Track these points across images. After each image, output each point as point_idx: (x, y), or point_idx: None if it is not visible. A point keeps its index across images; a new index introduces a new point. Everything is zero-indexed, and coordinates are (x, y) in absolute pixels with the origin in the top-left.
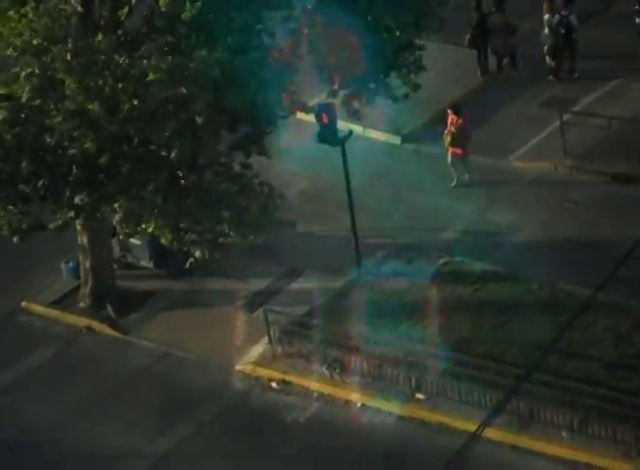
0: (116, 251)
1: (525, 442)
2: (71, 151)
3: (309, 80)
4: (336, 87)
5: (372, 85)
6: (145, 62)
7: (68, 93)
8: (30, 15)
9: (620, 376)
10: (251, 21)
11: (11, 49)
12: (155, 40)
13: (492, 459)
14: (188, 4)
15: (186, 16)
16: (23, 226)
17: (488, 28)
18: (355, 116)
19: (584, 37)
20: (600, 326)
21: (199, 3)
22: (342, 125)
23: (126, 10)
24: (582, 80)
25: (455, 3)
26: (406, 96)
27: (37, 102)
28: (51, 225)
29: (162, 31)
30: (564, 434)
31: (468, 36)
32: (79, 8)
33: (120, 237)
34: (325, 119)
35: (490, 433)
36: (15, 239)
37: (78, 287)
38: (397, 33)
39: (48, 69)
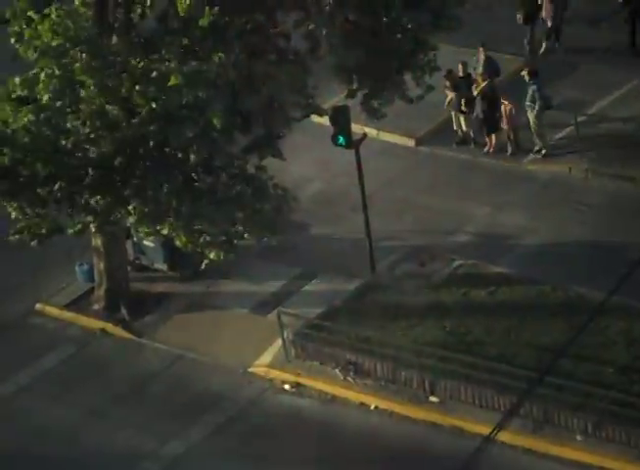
0: (130, 253)
1: (538, 445)
2: (87, 154)
3: (326, 82)
4: (354, 87)
5: (389, 85)
6: (165, 65)
7: (86, 95)
8: (53, 16)
9: (634, 379)
10: (267, 23)
11: (31, 50)
12: (169, 43)
13: (506, 463)
14: (207, 9)
15: (204, 22)
16: (43, 231)
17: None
18: (375, 115)
19: (598, 40)
20: (613, 329)
21: (216, 9)
22: (356, 128)
23: (140, 12)
24: (597, 83)
25: (470, 4)
26: (420, 98)
27: (58, 104)
28: (70, 230)
29: (177, 34)
30: (577, 437)
31: (522, 12)
32: (93, 9)
33: (134, 239)
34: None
35: (504, 436)
36: (33, 243)
37: (92, 289)
38: (414, 34)
39: (67, 70)
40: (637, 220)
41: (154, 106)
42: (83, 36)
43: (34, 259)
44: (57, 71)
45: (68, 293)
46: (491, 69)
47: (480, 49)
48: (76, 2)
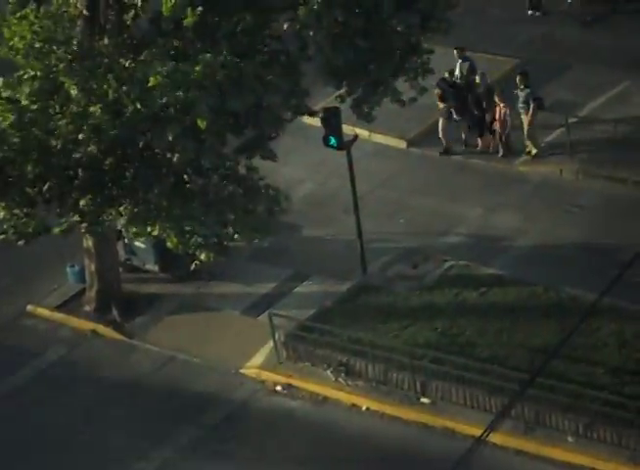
0: (122, 254)
1: (530, 446)
2: (77, 154)
3: (316, 84)
4: (343, 91)
5: (380, 89)
6: (147, 66)
7: (70, 96)
8: (31, 17)
9: (625, 381)
10: (256, 23)
11: (13, 52)
12: (160, 44)
13: (498, 464)
14: (189, 10)
15: (188, 22)
16: (29, 230)
17: None
18: (366, 119)
19: (590, 42)
20: (605, 331)
21: (200, 8)
22: (348, 129)
23: (132, 13)
24: (588, 84)
25: (463, 6)
26: (414, 100)
27: (38, 105)
28: (56, 229)
29: (168, 35)
30: (569, 438)
31: None
32: (85, 11)
33: (126, 241)
34: (330, 124)
35: (496, 438)
36: (20, 243)
37: (84, 290)
38: (406, 36)
39: (51, 71)
40: (628, 222)
41: (139, 106)
42: (64, 37)
43: (25, 261)
44: (39, 73)
45: (59, 294)
46: (469, 68)
47: (455, 52)
48: (55, 2)
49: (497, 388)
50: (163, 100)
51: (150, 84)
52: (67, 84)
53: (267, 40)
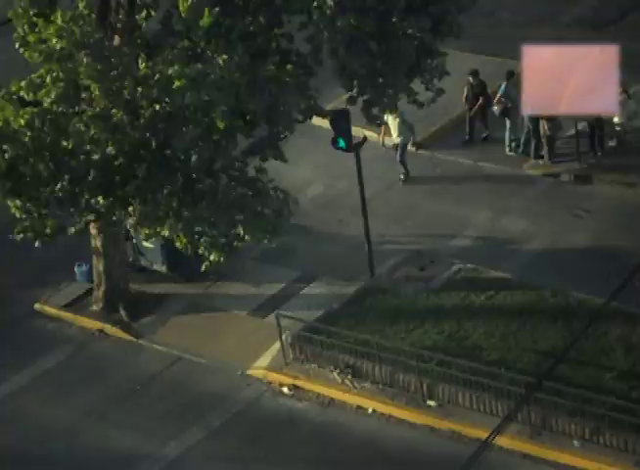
0: (130, 254)
1: (536, 450)
2: (91, 155)
3: (326, 85)
4: (354, 93)
5: (390, 92)
6: (169, 68)
7: (92, 98)
8: (59, 21)
9: (632, 385)
10: (270, 25)
11: (36, 54)
12: (173, 45)
13: (503, 468)
14: (207, 10)
15: (204, 22)
16: (47, 230)
17: None
18: (375, 122)
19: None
20: (612, 335)
21: (217, 9)
22: (357, 132)
23: (143, 14)
24: None
25: (473, 9)
26: (433, 101)
27: (63, 107)
28: (71, 229)
29: (180, 36)
30: (575, 443)
31: None
32: (95, 12)
33: (134, 241)
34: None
35: (502, 441)
36: (37, 243)
37: (91, 290)
38: (418, 39)
39: (72, 74)
40: (637, 226)
41: (157, 108)
42: (87, 40)
43: (33, 259)
44: (61, 75)
45: (66, 293)
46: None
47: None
48: (80, 6)
49: (504, 391)
50: (185, 102)
51: (175, 85)
52: (92, 87)
53: (279, 39)
